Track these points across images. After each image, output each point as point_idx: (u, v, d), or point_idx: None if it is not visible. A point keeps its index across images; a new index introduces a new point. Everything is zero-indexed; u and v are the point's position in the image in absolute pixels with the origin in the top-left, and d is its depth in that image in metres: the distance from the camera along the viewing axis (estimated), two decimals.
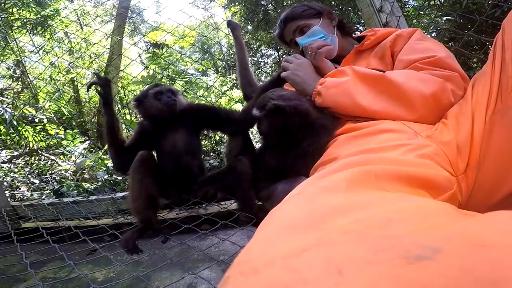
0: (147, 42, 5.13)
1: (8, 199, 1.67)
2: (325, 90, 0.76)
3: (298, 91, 0.85)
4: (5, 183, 2.45)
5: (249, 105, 0.96)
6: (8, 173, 2.76)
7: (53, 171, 2.96)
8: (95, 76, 1.08)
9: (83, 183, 2.31)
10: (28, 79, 4.09)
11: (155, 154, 1.07)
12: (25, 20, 3.87)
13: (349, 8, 3.99)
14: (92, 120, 4.56)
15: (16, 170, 2.91)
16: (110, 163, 2.51)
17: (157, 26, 3.40)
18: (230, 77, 5.03)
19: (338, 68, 0.79)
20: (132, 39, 5.57)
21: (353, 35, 1.06)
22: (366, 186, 0.38)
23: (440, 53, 0.75)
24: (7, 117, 2.70)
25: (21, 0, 3.74)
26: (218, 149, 2.72)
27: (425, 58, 0.74)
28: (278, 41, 1.10)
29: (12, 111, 2.93)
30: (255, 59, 5.11)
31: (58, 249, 0.90)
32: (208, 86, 3.85)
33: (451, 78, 0.69)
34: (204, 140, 2.77)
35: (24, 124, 2.97)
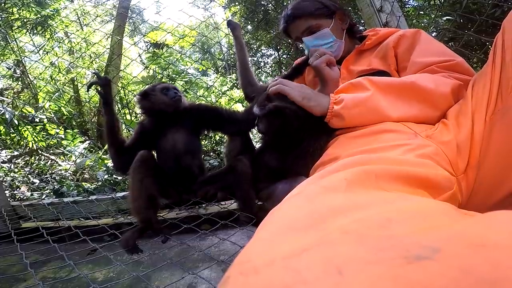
0: (147, 42, 5.13)
1: (8, 199, 1.67)
2: (347, 111, 0.67)
3: (303, 107, 0.76)
4: (5, 183, 2.45)
5: (252, 105, 0.96)
6: (8, 173, 2.76)
7: (53, 171, 2.96)
8: (95, 76, 1.08)
9: (83, 183, 2.31)
10: (28, 79, 4.09)
11: (155, 154, 1.07)
12: (25, 20, 3.87)
13: (349, 8, 3.98)
14: (92, 120, 4.57)
15: (16, 170, 2.91)
16: (110, 163, 2.51)
17: (157, 26, 3.40)
18: (230, 77, 5.04)
19: (351, 81, 0.73)
20: (132, 39, 5.57)
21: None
22: (366, 186, 0.38)
23: (457, 58, 0.74)
24: (7, 116, 2.70)
25: (21, 0, 3.74)
26: (218, 149, 2.72)
27: (442, 61, 0.73)
28: (282, 34, 1.03)
29: (12, 110, 2.93)
30: (255, 59, 5.11)
31: (58, 249, 0.90)
32: (208, 86, 3.86)
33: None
34: (204, 140, 2.77)
35: (24, 124, 2.97)
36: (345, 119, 0.68)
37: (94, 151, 3.42)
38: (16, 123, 2.85)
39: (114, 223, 1.27)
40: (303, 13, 0.91)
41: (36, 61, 3.94)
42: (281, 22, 0.99)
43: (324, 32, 0.89)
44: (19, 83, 4.29)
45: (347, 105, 0.67)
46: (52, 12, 3.93)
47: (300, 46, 0.99)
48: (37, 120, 3.18)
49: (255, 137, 2.60)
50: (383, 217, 0.26)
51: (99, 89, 1.04)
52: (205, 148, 2.75)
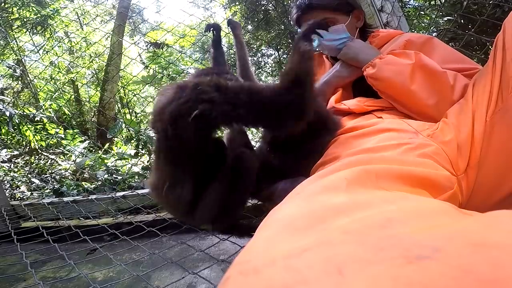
0: (147, 42, 5.13)
1: (8, 199, 1.67)
2: (382, 65, 0.76)
3: (349, 60, 0.86)
4: (5, 182, 2.45)
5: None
6: (8, 173, 2.77)
7: (53, 171, 2.96)
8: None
9: (83, 183, 2.32)
10: (28, 78, 4.09)
11: None
12: (25, 20, 3.87)
13: None
14: (92, 120, 4.57)
15: (16, 170, 2.92)
16: (110, 163, 2.51)
17: (158, 26, 3.40)
18: None
19: (405, 50, 0.78)
20: (132, 39, 5.56)
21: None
22: (367, 185, 0.38)
23: (478, 66, 0.76)
24: (8, 115, 2.70)
25: (21, 0, 3.74)
26: None
27: (467, 69, 0.74)
28: (294, 22, 0.99)
29: (14, 110, 2.93)
30: (255, 58, 5.10)
31: (58, 248, 0.90)
32: None
33: None
34: None
35: (25, 124, 2.97)
36: (376, 67, 0.75)
37: (94, 150, 3.42)
38: (18, 121, 2.85)
39: (114, 222, 1.27)
40: (322, 4, 0.89)
41: (36, 60, 3.94)
42: (294, 10, 0.95)
43: (339, 28, 0.87)
44: (19, 82, 4.29)
45: (387, 61, 0.75)
46: (52, 12, 3.93)
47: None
48: (37, 119, 3.18)
49: (255, 137, 2.59)
50: (384, 217, 0.26)
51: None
52: None
